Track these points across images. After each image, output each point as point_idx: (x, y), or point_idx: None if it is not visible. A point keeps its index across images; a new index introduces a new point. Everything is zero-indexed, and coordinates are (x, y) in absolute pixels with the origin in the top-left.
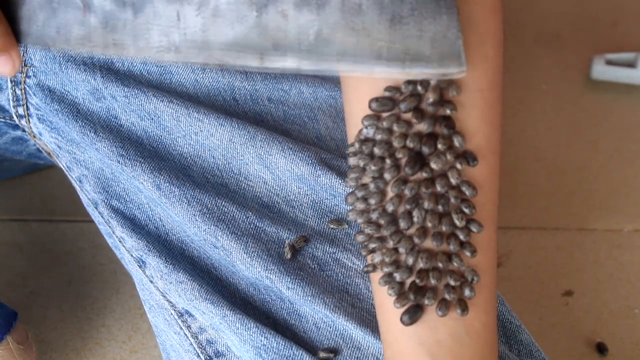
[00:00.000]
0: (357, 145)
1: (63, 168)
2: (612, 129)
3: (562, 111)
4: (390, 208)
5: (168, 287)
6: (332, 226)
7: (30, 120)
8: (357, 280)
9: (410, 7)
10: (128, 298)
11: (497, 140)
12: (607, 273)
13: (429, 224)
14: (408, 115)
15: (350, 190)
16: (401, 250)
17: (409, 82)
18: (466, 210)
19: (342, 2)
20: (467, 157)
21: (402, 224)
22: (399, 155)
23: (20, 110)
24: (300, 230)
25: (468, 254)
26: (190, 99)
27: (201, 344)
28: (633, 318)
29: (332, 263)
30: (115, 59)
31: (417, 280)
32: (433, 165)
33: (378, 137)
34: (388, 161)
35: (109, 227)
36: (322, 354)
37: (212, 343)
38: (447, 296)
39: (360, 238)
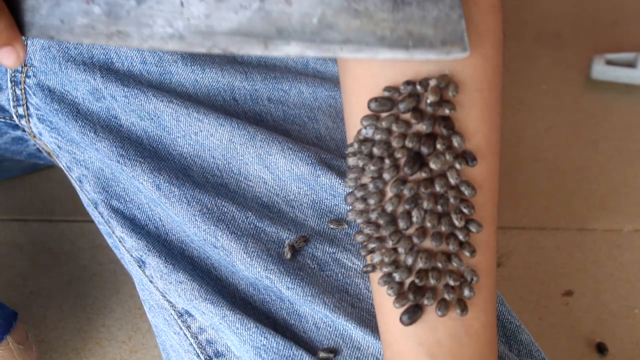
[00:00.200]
0: (356, 145)
1: (63, 168)
2: (612, 129)
3: (562, 111)
4: (389, 208)
5: (168, 287)
6: (331, 226)
7: (30, 120)
8: (356, 280)
9: None
10: (128, 298)
11: (496, 141)
12: (607, 273)
13: (428, 224)
14: (407, 116)
15: (350, 190)
16: (400, 250)
17: (407, 83)
18: (465, 211)
19: None
20: (467, 157)
21: (401, 224)
22: (398, 155)
23: (20, 110)
24: (300, 230)
25: (467, 254)
26: (190, 99)
27: (201, 344)
28: (633, 318)
29: (332, 263)
30: (115, 59)
31: (417, 280)
32: (432, 166)
33: (377, 137)
34: (387, 161)
35: (109, 227)
36: (322, 354)
37: (212, 343)
38: (446, 296)
39: (359, 238)
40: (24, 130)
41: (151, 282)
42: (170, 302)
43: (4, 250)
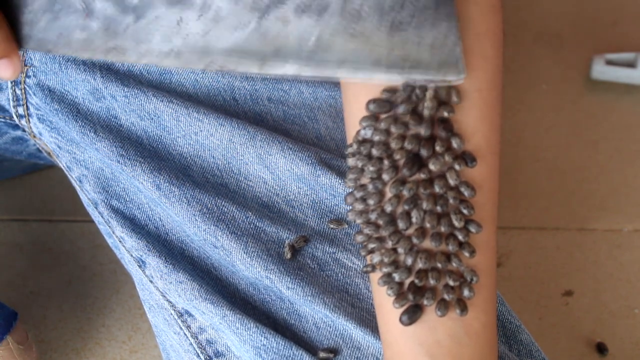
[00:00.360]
0: (355, 146)
1: (63, 168)
2: (612, 129)
3: (562, 111)
4: (388, 208)
5: (168, 287)
6: (332, 226)
7: (30, 120)
8: (356, 280)
9: (409, 13)
10: (128, 298)
11: (496, 141)
12: (607, 273)
13: (428, 225)
14: (406, 117)
15: (350, 190)
16: (400, 250)
17: (407, 85)
18: (465, 211)
19: (342, 8)
20: (466, 157)
21: (401, 225)
22: (397, 156)
23: (20, 110)
24: (300, 230)
25: (467, 254)
26: (190, 98)
27: (201, 344)
28: (633, 318)
29: (332, 263)
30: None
31: (416, 281)
32: (431, 167)
33: (376, 138)
34: (386, 162)
35: (109, 227)
36: (322, 354)
37: (212, 343)
38: (446, 296)
39: (359, 238)
40: (24, 130)
41: (151, 282)
42: (170, 302)
43: (4, 250)
